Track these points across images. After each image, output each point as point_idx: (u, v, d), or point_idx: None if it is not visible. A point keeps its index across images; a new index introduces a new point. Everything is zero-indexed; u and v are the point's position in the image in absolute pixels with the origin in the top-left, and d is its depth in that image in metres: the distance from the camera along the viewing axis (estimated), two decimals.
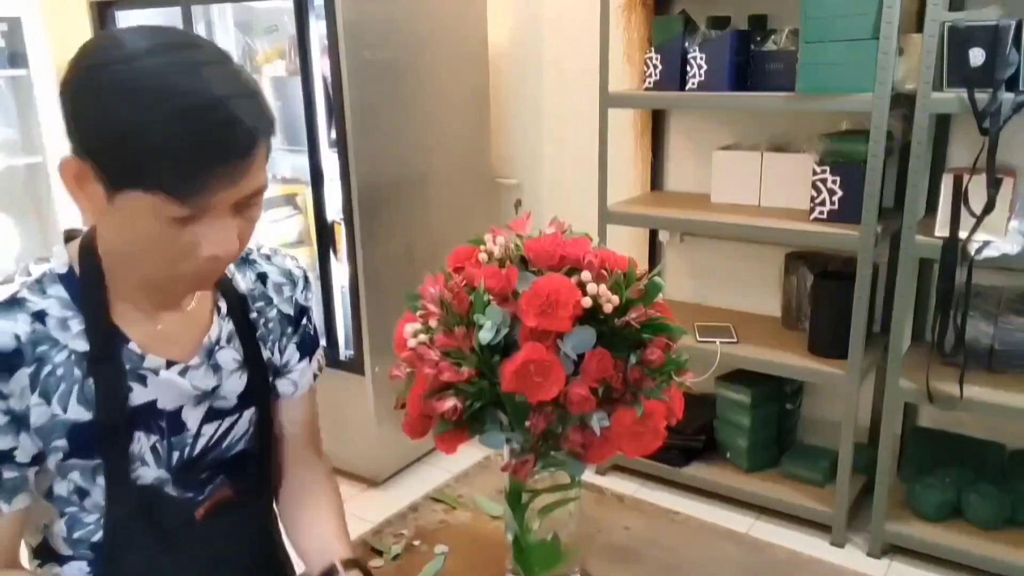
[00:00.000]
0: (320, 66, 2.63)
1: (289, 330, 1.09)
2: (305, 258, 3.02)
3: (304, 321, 1.12)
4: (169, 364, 0.95)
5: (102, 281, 0.90)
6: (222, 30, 3.00)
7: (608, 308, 0.86)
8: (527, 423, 0.88)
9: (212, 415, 1.00)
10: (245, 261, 1.06)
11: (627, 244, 2.97)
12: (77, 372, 0.89)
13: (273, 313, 1.07)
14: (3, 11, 3.06)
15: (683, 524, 1.27)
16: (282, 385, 1.10)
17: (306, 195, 2.94)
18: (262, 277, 1.07)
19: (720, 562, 1.17)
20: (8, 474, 0.87)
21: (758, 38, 2.44)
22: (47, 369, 0.87)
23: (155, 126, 0.75)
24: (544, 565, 1.03)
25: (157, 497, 0.97)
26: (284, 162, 3.16)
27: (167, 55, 0.78)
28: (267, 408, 1.06)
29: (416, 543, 1.21)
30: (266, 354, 1.06)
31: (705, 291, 2.98)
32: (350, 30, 2.49)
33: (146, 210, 0.79)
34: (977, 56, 1.98)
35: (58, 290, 0.89)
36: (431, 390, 0.89)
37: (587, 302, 0.85)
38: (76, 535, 0.97)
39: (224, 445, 1.02)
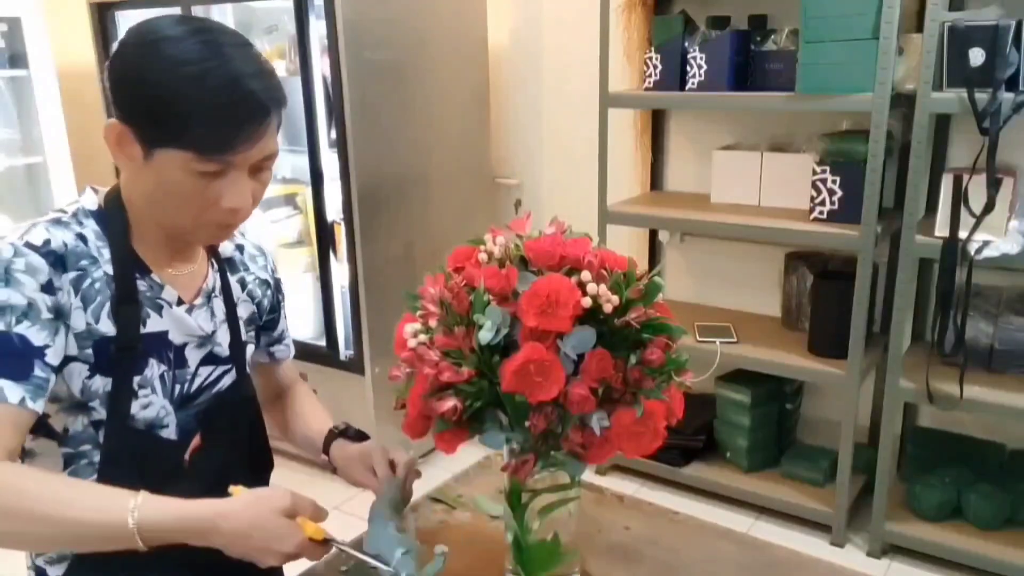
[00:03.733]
0: (320, 66, 2.63)
1: (269, 293, 1.24)
2: (305, 258, 3.03)
3: (281, 292, 1.28)
4: (179, 302, 1.07)
5: (127, 223, 1.03)
6: None
7: (608, 308, 0.86)
8: (527, 423, 0.88)
9: (208, 359, 1.12)
10: None
11: (627, 244, 2.97)
12: (108, 291, 1.00)
13: (251, 277, 1.21)
14: (3, 11, 3.06)
15: (683, 524, 1.27)
16: (279, 350, 1.31)
17: (306, 195, 2.94)
18: (239, 248, 1.21)
19: (720, 562, 1.17)
20: (39, 372, 0.92)
21: (758, 38, 2.44)
22: (87, 281, 0.98)
23: (189, 94, 0.90)
24: (544, 565, 1.03)
25: (151, 439, 1.06)
26: (284, 162, 3.15)
27: (199, 35, 0.93)
28: (243, 373, 1.17)
29: (416, 543, 1.21)
30: (247, 311, 1.19)
31: (705, 291, 2.98)
32: (350, 30, 2.49)
33: (178, 166, 0.93)
34: (977, 56, 1.98)
35: (91, 222, 1.02)
36: (431, 390, 0.89)
37: (587, 302, 0.85)
38: (67, 471, 1.03)
39: (214, 391, 1.13)
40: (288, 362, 1.35)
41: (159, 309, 1.05)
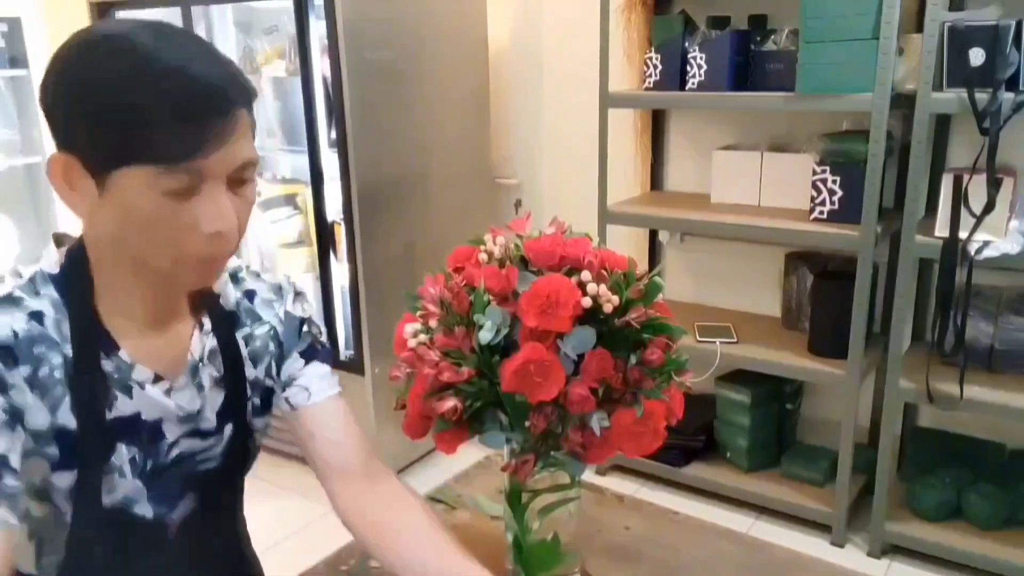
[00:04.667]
0: (320, 66, 2.63)
1: (278, 347, 1.05)
2: (305, 258, 3.03)
3: (305, 329, 1.07)
4: (156, 379, 0.92)
5: (91, 285, 0.88)
6: (222, 30, 3.00)
7: (608, 308, 0.86)
8: (527, 423, 0.88)
9: (192, 433, 0.97)
10: (233, 279, 1.02)
11: (627, 244, 2.97)
12: (67, 378, 0.86)
13: (263, 330, 1.03)
14: (3, 11, 3.06)
15: (683, 524, 1.27)
16: (293, 394, 1.05)
17: (306, 195, 2.94)
18: (249, 294, 1.03)
19: (720, 562, 1.17)
20: (9, 482, 0.81)
21: (758, 38, 2.44)
22: (44, 370, 0.84)
23: (134, 94, 0.76)
24: (544, 565, 1.03)
25: (125, 517, 0.93)
26: (284, 162, 3.15)
27: (138, 32, 0.79)
28: (244, 424, 1.02)
29: None
30: (256, 372, 1.02)
31: (705, 291, 2.98)
32: (350, 30, 2.49)
33: (141, 186, 0.78)
34: (977, 56, 1.98)
35: (50, 290, 0.87)
36: (431, 390, 0.89)
37: (587, 302, 0.85)
38: (43, 560, 0.94)
39: (198, 459, 0.99)
40: (325, 418, 1.06)
41: (128, 391, 0.90)
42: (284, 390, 1.06)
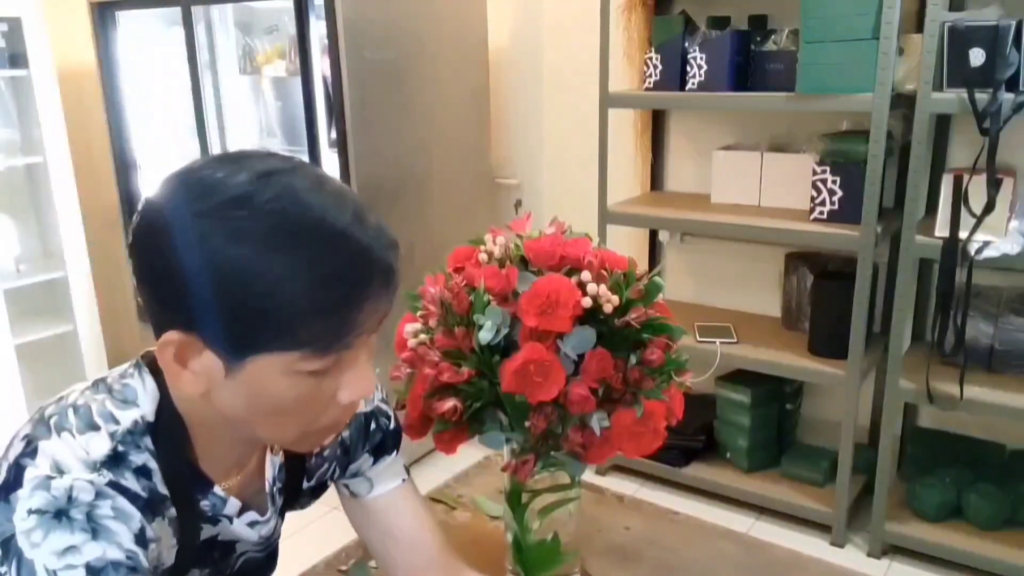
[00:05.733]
0: (320, 66, 2.63)
1: (346, 451, 0.96)
2: None
3: (372, 426, 0.97)
4: (242, 510, 0.85)
5: (187, 440, 0.78)
6: (222, 30, 3.00)
7: (608, 308, 0.86)
8: (527, 423, 0.88)
9: (262, 548, 0.93)
10: None
11: (627, 244, 2.97)
12: (174, 527, 0.79)
13: (332, 443, 0.94)
14: (3, 11, 3.06)
15: (683, 524, 1.27)
16: (354, 483, 0.98)
17: None
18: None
19: (720, 562, 1.17)
20: None
21: (758, 38, 2.44)
22: (163, 523, 0.76)
23: (290, 280, 0.63)
24: (544, 565, 1.03)
25: None
26: None
27: (280, 186, 0.65)
28: (284, 513, 0.96)
29: None
30: (312, 483, 0.95)
31: (705, 291, 2.98)
32: (350, 30, 2.49)
33: (279, 371, 0.67)
34: (977, 56, 1.98)
35: (147, 442, 0.75)
36: (431, 390, 0.89)
37: (587, 302, 0.85)
38: None
39: (249, 556, 0.93)
40: (391, 509, 0.98)
41: (215, 522, 0.83)
42: (346, 479, 0.99)
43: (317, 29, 2.58)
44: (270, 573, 1.01)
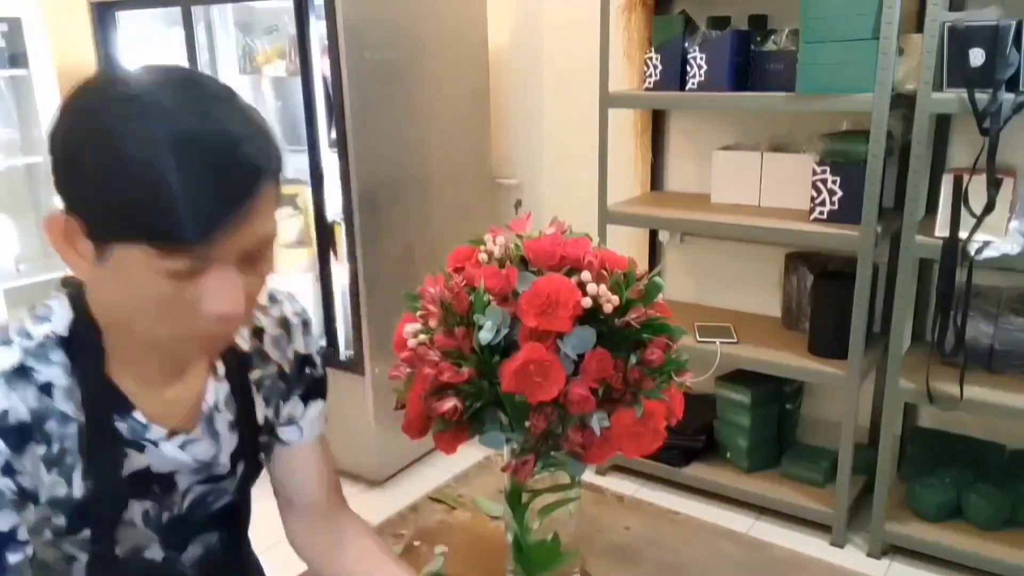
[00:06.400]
0: (320, 66, 2.63)
1: (285, 386, 1.01)
2: (305, 258, 3.03)
3: (307, 370, 1.03)
4: (170, 434, 0.88)
5: (102, 350, 0.82)
6: (222, 30, 3.00)
7: (608, 308, 0.86)
8: (527, 423, 0.88)
9: (206, 479, 0.94)
10: None
11: (627, 244, 2.97)
12: (81, 446, 0.82)
13: (272, 370, 0.99)
14: (3, 11, 3.06)
15: (683, 524, 1.27)
16: (286, 433, 1.03)
17: (306, 195, 2.94)
18: (259, 333, 0.98)
19: (720, 562, 1.17)
20: (13, 557, 0.78)
21: (758, 38, 2.44)
22: (56, 446, 0.80)
23: (142, 166, 0.67)
24: (544, 565, 1.03)
25: (139, 562, 0.92)
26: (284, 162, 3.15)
27: (159, 88, 0.71)
28: (256, 463, 1.00)
29: (416, 543, 1.21)
30: (264, 414, 0.99)
31: (705, 291, 2.98)
32: (350, 30, 2.49)
33: (141, 265, 0.70)
34: (977, 56, 1.98)
35: (60, 356, 0.80)
36: (431, 390, 0.89)
37: (587, 302, 0.85)
38: None
39: (209, 500, 0.97)
40: (307, 456, 1.05)
41: (141, 448, 0.86)
42: (275, 428, 1.03)
43: (317, 29, 2.58)
44: (239, 525, 1.03)
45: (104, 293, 0.78)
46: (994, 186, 2.01)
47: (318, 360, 1.04)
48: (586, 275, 0.87)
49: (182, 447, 0.89)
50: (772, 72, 2.40)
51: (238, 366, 0.95)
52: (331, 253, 2.80)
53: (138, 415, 0.85)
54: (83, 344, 0.81)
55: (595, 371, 0.86)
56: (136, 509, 0.89)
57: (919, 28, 2.18)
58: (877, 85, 2.13)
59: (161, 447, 0.87)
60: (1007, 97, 1.97)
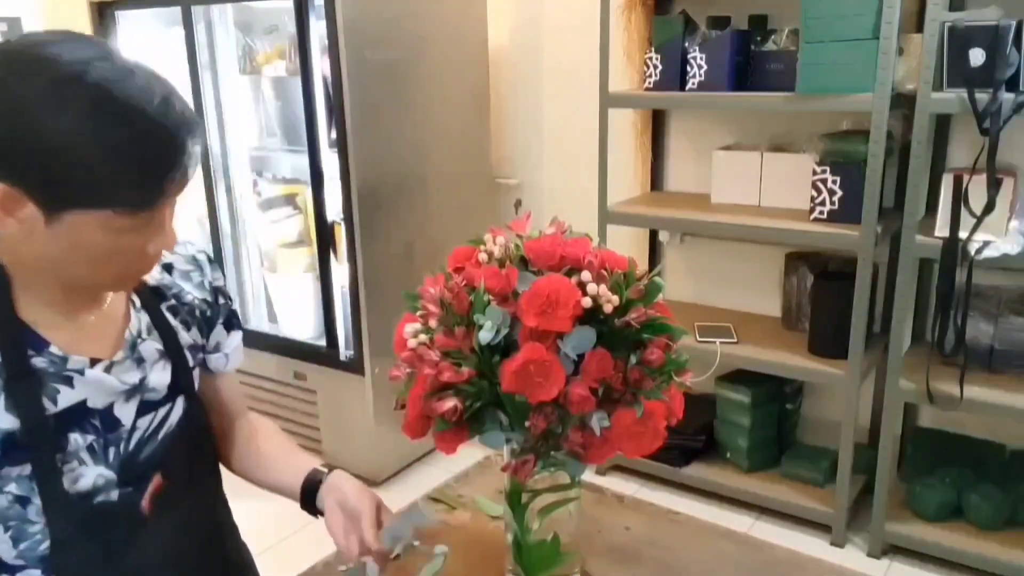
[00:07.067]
0: (320, 66, 2.63)
1: (209, 312, 1.09)
2: (305, 258, 3.03)
3: (222, 300, 1.12)
4: (93, 362, 0.93)
5: (8, 288, 0.88)
6: (222, 30, 3.00)
7: (608, 308, 0.86)
8: (527, 423, 0.88)
9: (144, 408, 0.98)
10: None
11: (627, 244, 2.97)
12: (0, 381, 0.86)
13: (188, 299, 1.06)
14: (3, 11, 3.06)
15: (683, 524, 1.27)
16: (213, 361, 1.12)
17: (306, 195, 2.94)
18: (167, 267, 1.05)
19: (720, 562, 1.17)
20: None
21: (758, 38, 2.44)
22: None
23: (106, 143, 0.75)
24: (544, 565, 1.03)
25: (97, 503, 0.94)
26: (284, 162, 3.15)
27: (103, 63, 0.77)
28: (194, 397, 1.06)
29: (416, 543, 1.21)
30: (190, 338, 1.05)
31: (705, 291, 2.98)
32: (350, 30, 2.49)
33: (95, 226, 0.79)
34: (977, 56, 1.98)
35: None
36: (431, 390, 0.89)
37: (587, 302, 0.85)
38: (22, 547, 0.92)
39: (160, 436, 1.00)
40: (229, 381, 1.17)
41: (68, 381, 0.90)
42: (205, 356, 1.11)
43: (317, 29, 2.58)
44: (199, 474, 1.08)
45: (42, 249, 0.83)
46: (994, 186, 2.01)
47: (228, 293, 1.14)
48: (586, 275, 0.87)
49: (107, 371, 0.94)
50: (772, 72, 2.40)
51: (152, 298, 1.02)
52: (331, 253, 2.80)
53: (54, 349, 0.90)
54: None
55: (595, 371, 0.86)
56: (79, 443, 0.92)
57: (919, 28, 2.18)
58: (877, 85, 2.13)
59: (87, 375, 0.92)
60: (1007, 97, 1.97)
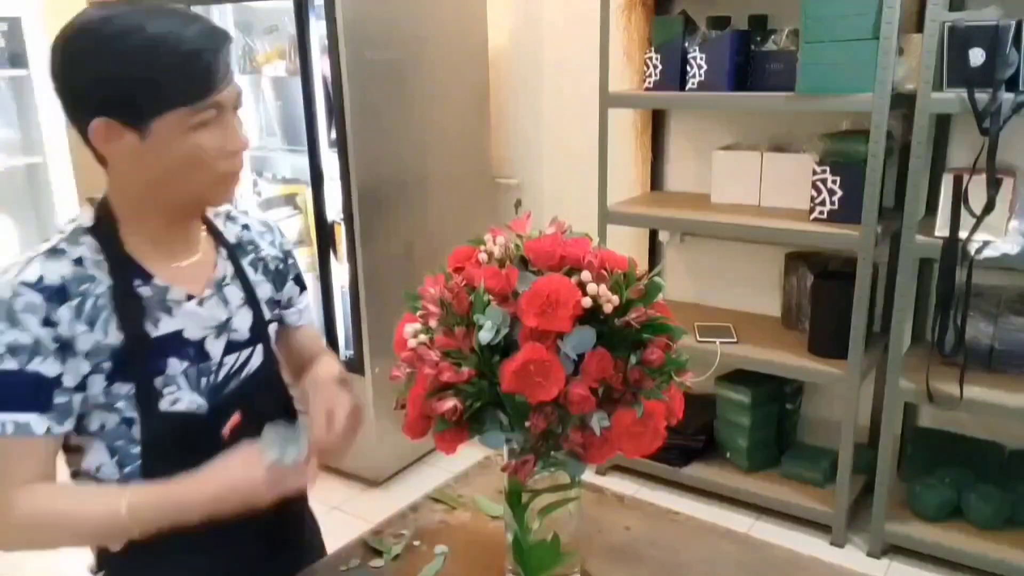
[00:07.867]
0: (320, 66, 2.63)
1: (282, 267, 1.25)
2: (305, 258, 3.03)
3: (291, 260, 1.28)
4: (189, 297, 1.08)
5: (118, 233, 1.05)
6: None
7: (608, 308, 0.86)
8: (527, 423, 0.88)
9: (230, 347, 1.13)
10: (228, 218, 1.22)
11: (627, 244, 2.97)
12: (111, 304, 1.02)
13: (264, 254, 1.22)
14: (3, 11, 3.06)
15: (683, 524, 1.27)
16: (290, 316, 1.28)
17: (306, 195, 2.94)
18: (246, 227, 1.22)
19: (720, 562, 1.17)
20: (59, 399, 0.99)
21: (758, 38, 2.44)
22: (90, 302, 1.00)
23: (157, 60, 0.94)
24: (544, 565, 1.03)
25: (186, 421, 1.07)
26: (284, 162, 3.15)
27: (136, 13, 0.97)
28: (270, 350, 1.19)
29: (416, 543, 1.21)
30: (267, 291, 1.20)
31: (705, 291, 2.98)
32: (350, 30, 2.49)
33: (177, 127, 0.97)
34: (977, 56, 1.98)
35: (88, 239, 1.03)
36: (431, 390, 0.89)
37: (587, 302, 0.85)
38: (126, 470, 1.05)
39: (242, 376, 1.14)
40: (308, 330, 1.33)
41: (169, 310, 1.07)
42: (283, 311, 1.26)
43: (317, 29, 2.58)
44: (274, 402, 1.19)
45: (146, 172, 1.00)
46: (994, 186, 2.01)
47: (295, 256, 1.31)
48: (586, 275, 0.87)
49: (200, 304, 1.09)
50: (772, 72, 2.40)
51: (235, 251, 1.18)
52: (331, 253, 2.80)
53: (157, 281, 1.06)
54: (105, 227, 1.04)
55: (595, 371, 0.86)
56: (177, 367, 1.07)
57: (919, 28, 2.18)
58: (877, 85, 2.13)
59: (183, 306, 1.08)
60: (1007, 97, 1.97)
